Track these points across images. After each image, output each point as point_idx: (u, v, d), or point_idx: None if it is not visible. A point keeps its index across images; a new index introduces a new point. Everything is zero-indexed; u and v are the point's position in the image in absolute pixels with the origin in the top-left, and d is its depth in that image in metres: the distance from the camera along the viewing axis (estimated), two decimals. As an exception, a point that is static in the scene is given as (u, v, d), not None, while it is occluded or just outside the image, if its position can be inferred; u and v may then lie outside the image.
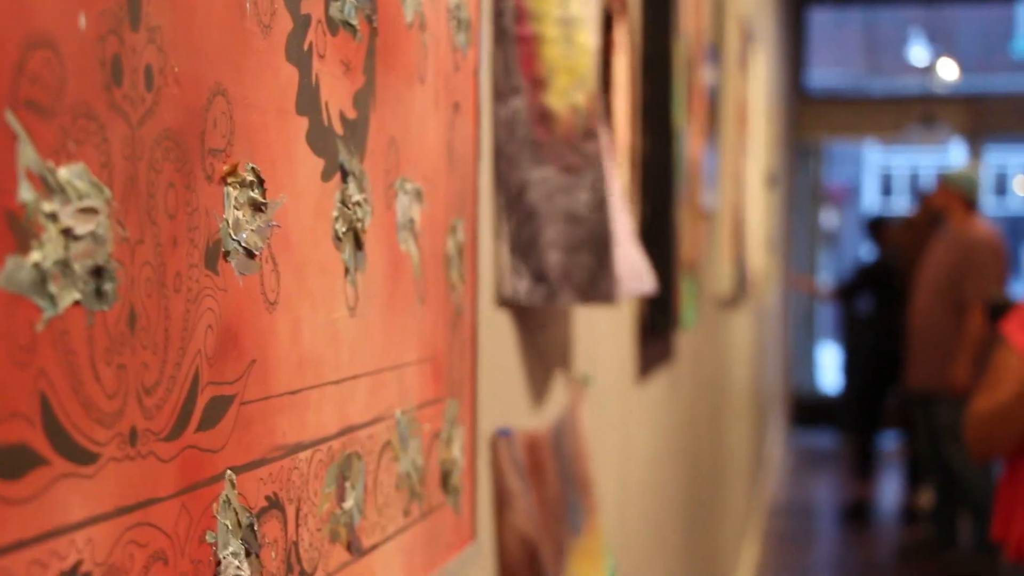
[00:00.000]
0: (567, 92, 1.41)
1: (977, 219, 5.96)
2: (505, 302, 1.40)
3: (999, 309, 3.84)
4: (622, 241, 1.54)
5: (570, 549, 1.58)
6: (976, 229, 5.88)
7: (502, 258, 1.39)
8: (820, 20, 11.95)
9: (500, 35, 1.35)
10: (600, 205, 1.45)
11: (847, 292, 8.27)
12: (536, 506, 1.42)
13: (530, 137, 1.39)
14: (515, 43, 1.35)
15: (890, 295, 7.55)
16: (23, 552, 0.53)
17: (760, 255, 6.08)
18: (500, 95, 1.36)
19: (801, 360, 11.33)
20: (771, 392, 8.17)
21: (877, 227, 8.27)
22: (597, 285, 1.45)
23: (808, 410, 10.70)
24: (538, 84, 1.38)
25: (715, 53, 3.76)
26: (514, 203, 1.39)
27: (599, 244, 1.44)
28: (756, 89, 5.62)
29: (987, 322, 4.11)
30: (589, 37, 1.49)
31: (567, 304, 1.48)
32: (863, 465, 8.26)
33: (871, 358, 7.87)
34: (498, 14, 1.35)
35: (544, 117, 1.39)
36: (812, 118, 11.00)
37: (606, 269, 1.45)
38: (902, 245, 7.37)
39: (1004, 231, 10.92)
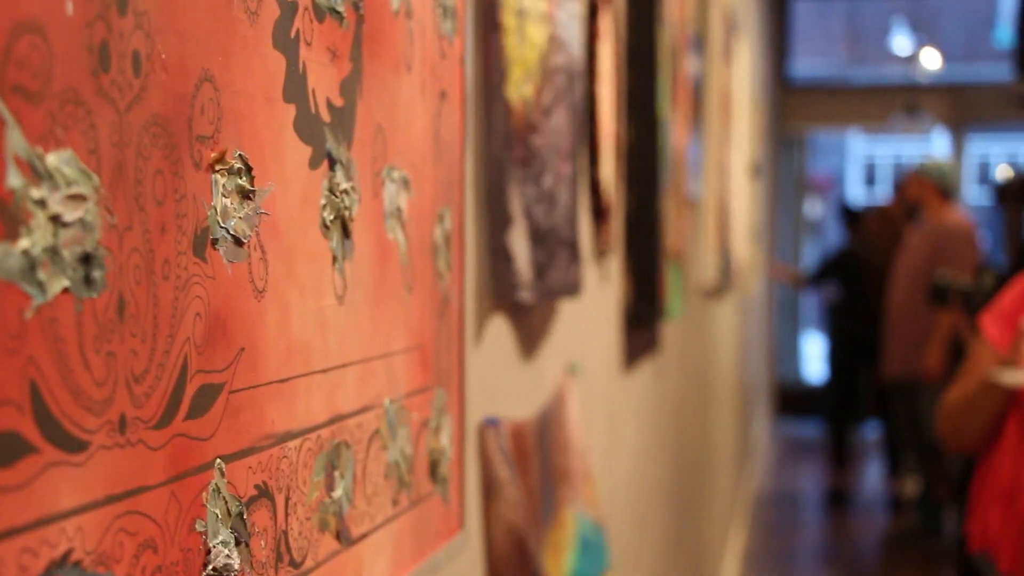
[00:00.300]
0: (519, 84, 1.41)
1: (952, 209, 6.01)
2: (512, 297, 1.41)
3: (940, 291, 3.80)
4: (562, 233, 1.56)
5: (542, 539, 1.59)
6: (951, 219, 5.93)
7: (520, 249, 1.39)
8: (803, 9, 11.97)
9: (491, 25, 1.35)
10: (540, 198, 1.46)
11: (812, 279, 8.30)
12: (523, 495, 1.42)
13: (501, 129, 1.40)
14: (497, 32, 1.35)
15: (858, 284, 7.57)
16: (14, 540, 0.53)
17: (745, 245, 6.10)
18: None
19: (785, 350, 11.36)
20: (756, 382, 8.18)
21: (850, 215, 8.29)
22: (547, 278, 1.48)
23: (793, 400, 10.73)
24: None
25: (699, 43, 3.76)
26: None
27: (545, 239, 1.47)
28: (740, 79, 5.63)
29: (960, 310, 4.06)
30: (539, 31, 1.49)
31: (533, 301, 1.49)
32: (837, 453, 8.30)
33: (841, 346, 7.90)
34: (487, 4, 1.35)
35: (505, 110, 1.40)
36: (796, 108, 11.02)
37: (554, 263, 1.48)
38: (877, 235, 7.40)
39: (986, 220, 10.95)
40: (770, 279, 9.23)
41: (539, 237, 1.45)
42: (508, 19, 1.38)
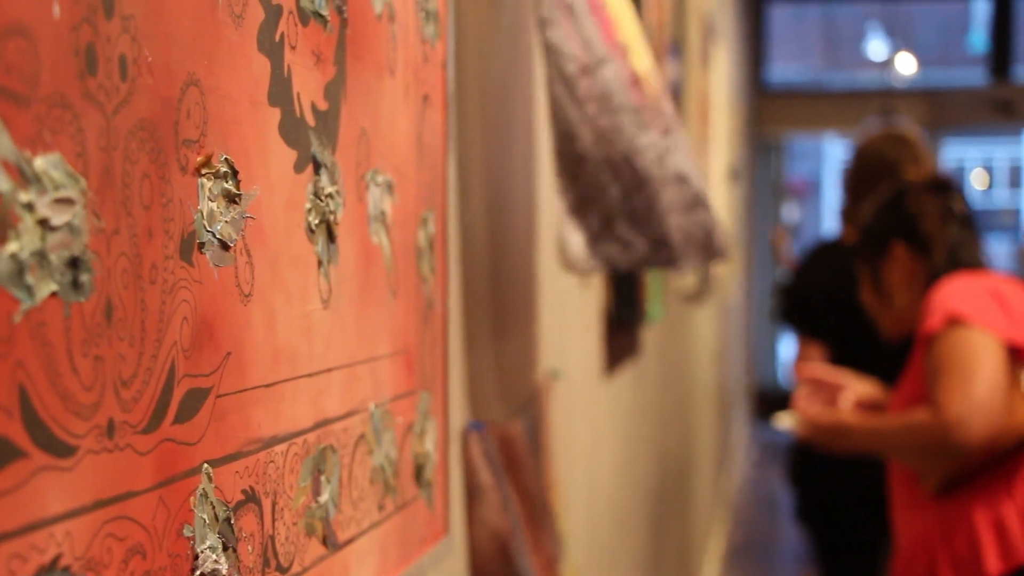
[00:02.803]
0: (642, 57, 1.42)
1: None
2: (608, 269, 1.40)
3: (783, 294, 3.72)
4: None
5: (540, 541, 1.59)
6: None
7: (572, 235, 1.38)
8: (779, 15, 12.01)
9: (567, 10, 1.33)
10: (693, 164, 1.47)
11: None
12: (515, 499, 1.41)
13: (629, 103, 1.38)
14: (590, 13, 1.35)
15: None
16: (3, 545, 0.53)
17: (723, 249, 6.10)
18: (585, 70, 1.34)
19: (763, 354, 11.38)
20: (734, 386, 8.20)
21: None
22: (713, 242, 1.47)
23: (771, 404, 10.75)
24: (623, 51, 1.38)
25: (677, 48, 3.77)
26: (619, 172, 1.38)
27: (706, 201, 1.46)
28: (717, 84, 5.64)
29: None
30: (630, 7, 1.51)
31: (693, 265, 1.49)
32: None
33: None
34: None
35: (636, 82, 1.39)
36: (772, 113, 11.05)
37: (717, 225, 1.47)
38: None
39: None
40: (773, 242, 9.18)
41: (693, 204, 1.45)
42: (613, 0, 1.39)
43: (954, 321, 2.22)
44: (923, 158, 3.44)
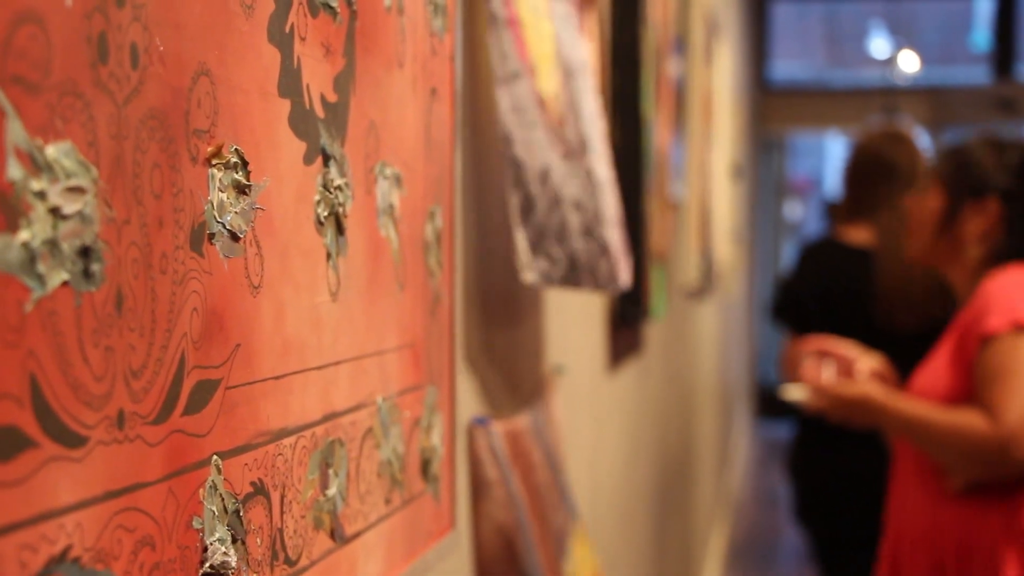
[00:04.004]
0: (548, 78, 1.40)
1: None
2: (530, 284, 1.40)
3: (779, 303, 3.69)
4: (614, 227, 1.54)
5: (572, 532, 1.59)
6: None
7: (520, 242, 1.36)
8: (782, 12, 12.00)
9: (491, 18, 1.33)
10: (592, 192, 1.45)
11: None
12: (523, 494, 1.41)
13: (539, 121, 1.37)
14: (506, 27, 1.34)
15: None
16: (13, 536, 0.52)
17: (726, 247, 6.11)
18: (502, 80, 1.33)
19: (766, 352, 11.38)
20: (736, 383, 8.20)
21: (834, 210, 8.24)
22: (600, 272, 1.46)
23: (772, 401, 10.75)
24: (531, 70, 1.37)
25: (681, 45, 3.76)
26: (540, 187, 1.37)
27: (598, 231, 1.45)
28: (721, 81, 5.64)
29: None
30: (549, 25, 1.48)
31: (586, 290, 1.48)
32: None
33: None
34: None
35: (541, 103, 1.38)
36: (775, 110, 11.04)
37: (607, 256, 1.46)
38: None
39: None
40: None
41: (587, 231, 1.44)
42: (525, 14, 1.37)
43: (1021, 328, 2.19)
44: (920, 156, 3.43)
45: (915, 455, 2.43)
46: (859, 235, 3.41)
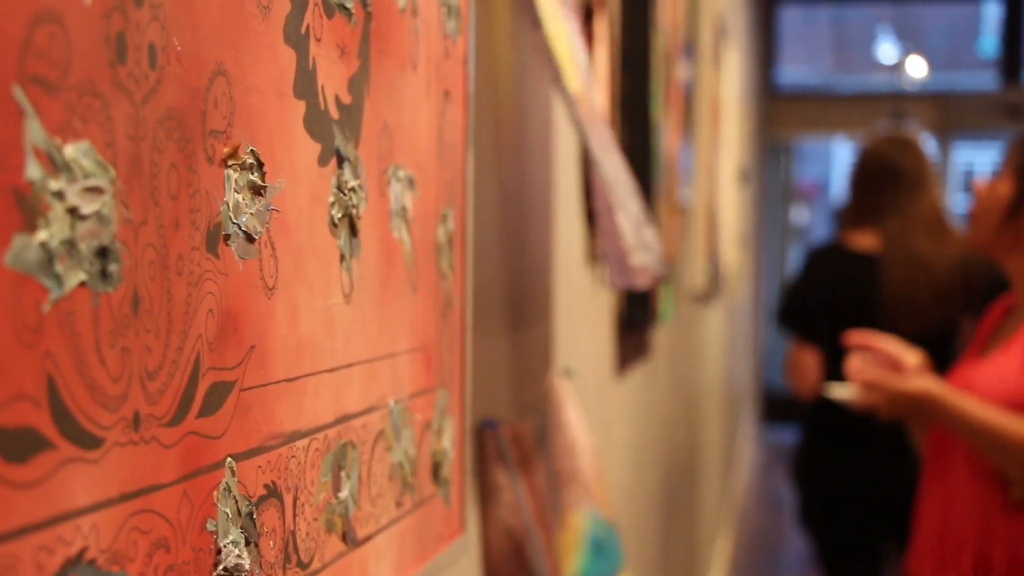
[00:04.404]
0: (573, 78, 1.41)
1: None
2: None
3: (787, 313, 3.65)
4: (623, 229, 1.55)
5: (551, 542, 1.58)
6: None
7: (626, 226, 1.40)
8: (790, 17, 11.99)
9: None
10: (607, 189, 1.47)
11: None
12: (528, 498, 1.41)
13: (581, 119, 1.41)
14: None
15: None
16: (29, 537, 0.52)
17: (732, 251, 6.10)
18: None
19: (771, 356, 11.37)
20: (742, 388, 8.19)
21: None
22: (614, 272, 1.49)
23: (778, 406, 10.74)
24: (556, 72, 1.38)
25: (690, 49, 3.76)
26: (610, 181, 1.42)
27: (641, 228, 1.48)
28: (729, 86, 5.63)
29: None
30: (564, 26, 1.49)
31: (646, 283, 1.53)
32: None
33: None
34: None
35: (576, 101, 1.41)
36: (782, 115, 11.03)
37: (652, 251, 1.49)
38: None
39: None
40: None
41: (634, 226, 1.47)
42: (544, 16, 1.37)
43: None
44: (926, 162, 3.42)
45: (970, 457, 2.34)
46: (865, 241, 3.41)
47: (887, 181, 3.37)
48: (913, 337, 3.21)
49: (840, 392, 2.49)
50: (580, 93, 1.41)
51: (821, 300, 3.44)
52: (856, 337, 2.55)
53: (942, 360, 3.21)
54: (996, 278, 3.29)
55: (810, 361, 3.50)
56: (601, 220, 1.50)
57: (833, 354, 3.37)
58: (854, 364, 2.47)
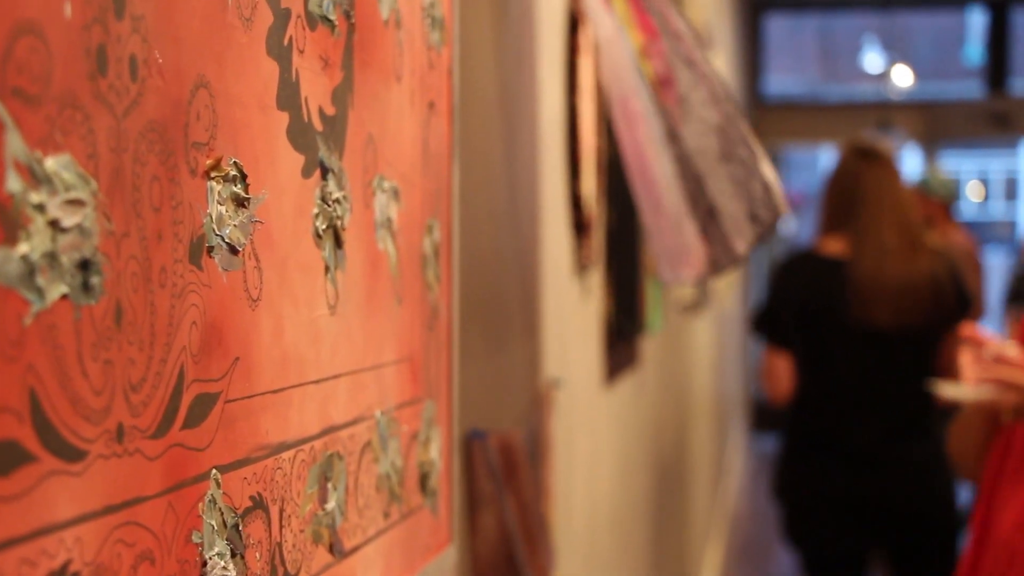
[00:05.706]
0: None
1: (957, 228, 5.65)
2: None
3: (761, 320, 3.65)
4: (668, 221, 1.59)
5: (538, 551, 1.58)
6: (957, 239, 5.51)
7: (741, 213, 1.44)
8: (776, 27, 12.02)
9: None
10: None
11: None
12: (513, 509, 1.41)
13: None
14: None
15: None
16: (12, 550, 0.52)
17: (720, 260, 6.09)
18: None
19: (760, 366, 11.37)
20: (732, 397, 8.19)
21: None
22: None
23: (767, 415, 10.74)
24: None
25: (676, 58, 3.76)
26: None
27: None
28: (715, 95, 5.63)
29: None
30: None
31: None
32: None
33: None
34: None
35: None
36: (769, 124, 11.05)
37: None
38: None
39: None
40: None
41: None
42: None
43: None
44: (893, 172, 3.43)
45: None
46: (835, 246, 3.43)
47: (854, 191, 3.40)
48: (884, 329, 3.22)
49: (954, 392, 2.30)
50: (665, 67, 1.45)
51: (791, 306, 3.46)
52: (968, 330, 2.30)
53: (919, 363, 3.23)
54: (962, 285, 3.30)
55: (782, 366, 3.51)
56: (647, 219, 1.54)
57: (805, 359, 3.40)
58: (970, 360, 2.27)
